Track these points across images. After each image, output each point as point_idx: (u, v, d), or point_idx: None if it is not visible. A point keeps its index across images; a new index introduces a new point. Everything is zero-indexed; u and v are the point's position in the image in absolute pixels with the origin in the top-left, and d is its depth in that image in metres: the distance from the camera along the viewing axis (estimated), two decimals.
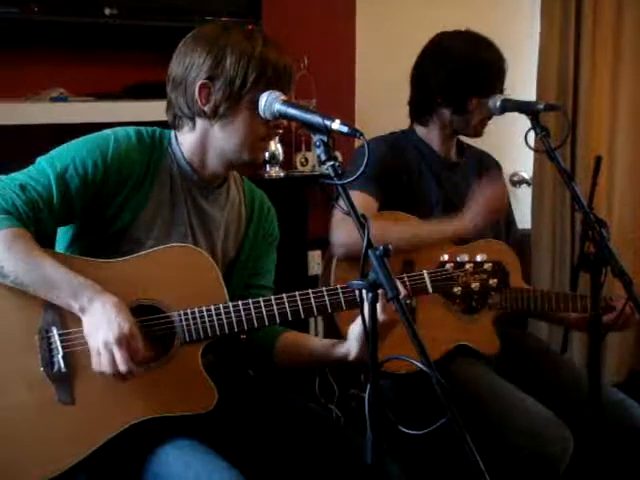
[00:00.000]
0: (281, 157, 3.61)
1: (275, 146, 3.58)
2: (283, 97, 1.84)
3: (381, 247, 1.63)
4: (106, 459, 1.86)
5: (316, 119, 1.73)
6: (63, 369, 1.83)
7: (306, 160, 3.72)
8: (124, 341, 1.77)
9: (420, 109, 2.67)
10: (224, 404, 1.99)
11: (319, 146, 1.74)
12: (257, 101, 1.87)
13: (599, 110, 3.98)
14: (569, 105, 3.90)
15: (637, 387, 3.89)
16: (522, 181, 4.02)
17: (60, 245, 2.02)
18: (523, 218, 3.88)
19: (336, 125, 1.72)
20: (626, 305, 2.42)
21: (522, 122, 2.51)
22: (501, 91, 2.59)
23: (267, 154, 3.57)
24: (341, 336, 2.42)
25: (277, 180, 3.60)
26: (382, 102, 3.70)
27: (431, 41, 2.66)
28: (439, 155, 2.67)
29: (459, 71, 2.56)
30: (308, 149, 3.70)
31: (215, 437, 1.95)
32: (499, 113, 2.54)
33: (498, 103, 2.51)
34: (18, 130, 2.83)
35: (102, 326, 1.78)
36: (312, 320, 3.59)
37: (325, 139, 1.73)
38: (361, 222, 1.67)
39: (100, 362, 1.79)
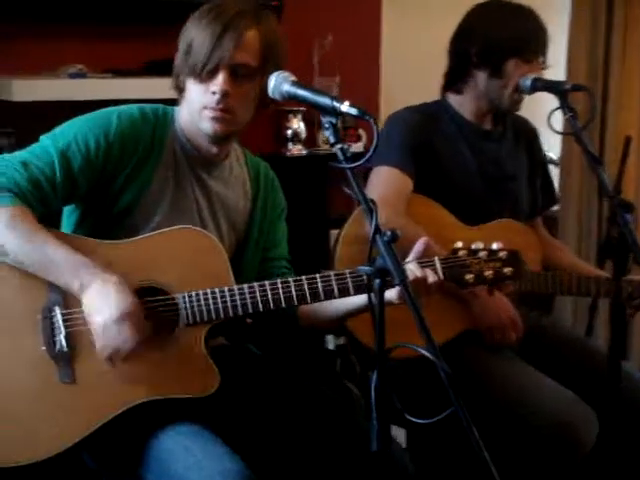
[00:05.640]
0: (304, 135, 3.58)
1: (298, 124, 3.55)
2: (293, 78, 1.79)
3: (389, 232, 1.60)
4: (109, 440, 1.86)
5: (325, 101, 1.69)
6: (65, 348, 1.82)
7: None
8: (122, 321, 1.77)
9: (455, 75, 2.61)
10: (232, 388, 1.98)
11: (328, 128, 1.69)
12: (194, 69, 1.89)
13: (629, 92, 3.89)
14: (599, 88, 3.82)
15: None
16: (550, 162, 3.93)
17: (66, 227, 2.01)
18: None
19: (345, 107, 1.67)
20: None
21: (551, 103, 2.46)
22: (543, 61, 2.55)
23: (289, 132, 3.54)
24: (361, 345, 2.40)
25: (299, 158, 3.59)
26: (408, 81, 3.64)
27: (469, 11, 2.61)
28: (472, 124, 2.62)
29: (498, 31, 2.51)
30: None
31: (221, 422, 1.93)
32: (529, 92, 2.49)
33: (529, 82, 2.46)
34: (36, 106, 2.82)
35: (101, 307, 1.78)
36: None
37: (334, 121, 1.69)
38: (370, 207, 1.63)
39: (101, 343, 1.80)
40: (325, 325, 2.11)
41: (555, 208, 3.86)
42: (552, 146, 3.92)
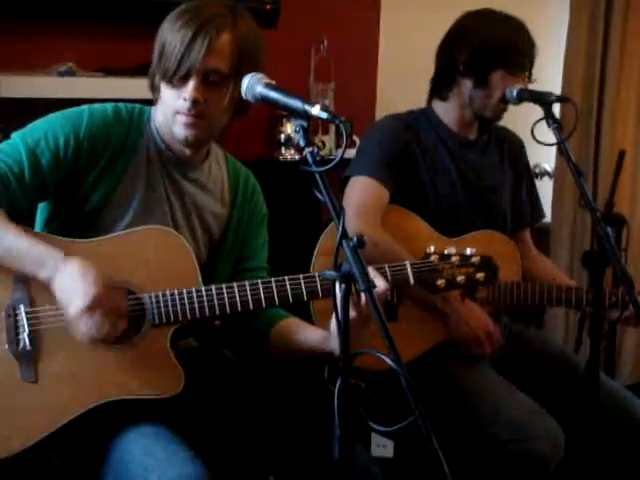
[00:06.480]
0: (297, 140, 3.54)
1: (291, 129, 3.53)
2: (266, 79, 1.77)
3: (355, 238, 1.59)
4: (72, 439, 1.85)
5: (296, 104, 1.68)
6: (28, 347, 1.82)
7: (323, 143, 3.64)
8: (94, 306, 1.76)
9: (441, 81, 2.61)
10: (200, 391, 1.97)
11: (298, 131, 1.68)
12: (166, 74, 1.88)
13: (626, 104, 3.88)
14: (595, 97, 3.80)
15: None
16: (544, 173, 3.92)
17: (38, 224, 2.01)
18: (544, 210, 3.80)
19: (316, 110, 1.66)
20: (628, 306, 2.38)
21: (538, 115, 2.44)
22: (529, 75, 2.54)
23: (282, 137, 3.52)
24: None
25: (292, 163, 3.55)
26: (404, 87, 3.61)
27: (459, 18, 2.61)
28: (456, 133, 2.61)
29: (487, 41, 2.51)
30: (325, 132, 3.63)
31: (186, 424, 1.92)
32: (516, 102, 2.48)
33: (515, 92, 2.46)
34: (24, 103, 2.81)
35: (71, 297, 1.78)
36: None
37: (305, 125, 1.68)
38: (337, 211, 1.61)
39: (79, 332, 1.79)
40: (294, 355, 2.11)
41: (547, 220, 3.85)
42: (547, 158, 3.90)
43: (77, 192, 1.92)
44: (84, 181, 1.92)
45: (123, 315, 1.83)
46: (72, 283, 1.78)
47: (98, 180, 1.93)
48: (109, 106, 1.98)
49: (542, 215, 2.88)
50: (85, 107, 1.96)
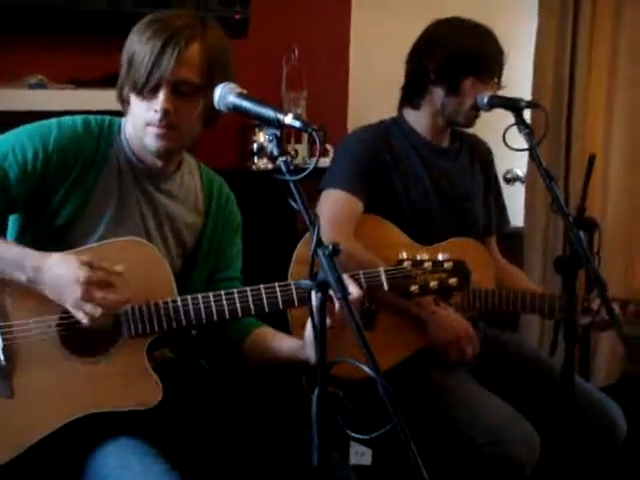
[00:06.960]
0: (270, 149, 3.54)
1: (264, 138, 3.53)
2: (238, 89, 1.76)
3: (330, 246, 1.59)
4: (50, 454, 1.83)
5: (269, 113, 1.68)
6: (2, 362, 1.80)
7: (296, 152, 3.65)
8: (89, 292, 1.77)
9: (413, 89, 2.62)
10: (178, 402, 1.96)
11: (272, 140, 1.68)
12: (135, 85, 1.88)
13: (595, 107, 3.93)
14: (565, 102, 3.85)
15: (628, 390, 3.85)
16: (516, 178, 3.94)
17: (10, 236, 1.99)
18: (517, 215, 3.83)
19: (288, 119, 1.66)
20: (601, 308, 2.39)
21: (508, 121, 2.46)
22: (498, 82, 2.56)
23: (255, 146, 3.52)
24: None
25: (265, 172, 3.55)
26: (377, 95, 3.62)
27: (428, 27, 2.62)
28: (428, 141, 2.63)
29: (457, 49, 2.52)
30: (298, 141, 3.64)
31: (163, 436, 1.91)
32: (487, 109, 2.50)
33: (486, 99, 2.47)
34: None
35: (62, 291, 1.78)
36: None
37: (278, 133, 1.68)
38: (311, 220, 1.62)
39: (83, 317, 1.79)
40: (269, 364, 2.11)
41: (520, 225, 3.88)
42: (520, 163, 3.93)
43: (48, 206, 1.91)
44: (55, 195, 1.91)
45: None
46: (59, 276, 1.78)
47: (70, 192, 1.92)
48: (78, 119, 1.98)
49: (508, 223, 2.89)
50: (54, 120, 1.96)
